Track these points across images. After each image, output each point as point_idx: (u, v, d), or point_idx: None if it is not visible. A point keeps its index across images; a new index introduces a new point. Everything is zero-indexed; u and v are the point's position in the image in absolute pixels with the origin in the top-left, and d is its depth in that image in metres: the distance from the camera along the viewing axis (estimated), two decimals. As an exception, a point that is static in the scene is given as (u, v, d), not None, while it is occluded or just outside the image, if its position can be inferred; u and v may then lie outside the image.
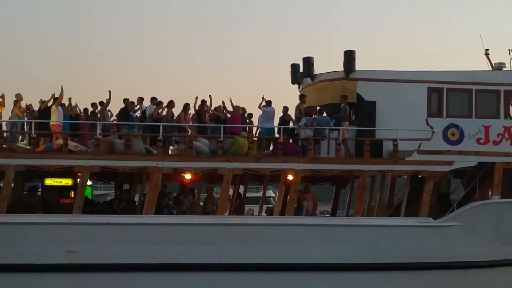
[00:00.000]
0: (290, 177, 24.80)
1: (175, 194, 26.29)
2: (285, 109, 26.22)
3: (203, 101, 25.78)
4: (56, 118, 24.59)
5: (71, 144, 23.97)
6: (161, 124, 24.39)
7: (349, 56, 26.38)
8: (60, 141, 24.01)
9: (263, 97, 26.18)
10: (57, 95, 24.79)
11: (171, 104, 25.39)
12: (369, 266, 24.53)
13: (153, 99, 25.97)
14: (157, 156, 24.12)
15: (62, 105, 24.89)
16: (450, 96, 26.13)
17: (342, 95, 25.97)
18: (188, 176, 25.84)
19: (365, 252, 24.48)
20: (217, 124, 25.06)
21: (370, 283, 24.64)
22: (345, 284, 24.47)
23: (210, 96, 25.95)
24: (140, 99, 26.41)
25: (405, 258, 24.73)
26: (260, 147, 26.22)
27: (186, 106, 25.62)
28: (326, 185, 29.97)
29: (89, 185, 28.71)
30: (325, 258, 24.21)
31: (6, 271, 22.88)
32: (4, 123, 25.49)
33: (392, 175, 27.75)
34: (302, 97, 26.26)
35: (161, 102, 25.52)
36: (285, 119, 26.10)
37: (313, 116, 25.54)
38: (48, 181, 26.57)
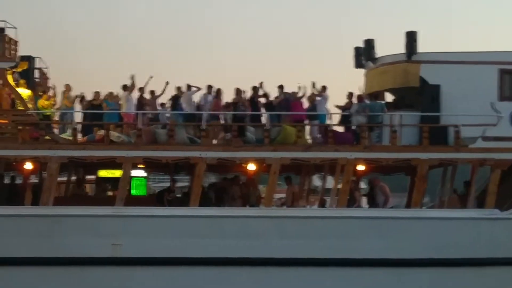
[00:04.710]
0: (361, 167, 23.54)
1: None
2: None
3: (255, 87, 24.64)
4: (126, 107, 24.18)
5: (114, 135, 23.41)
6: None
7: (411, 38, 24.66)
8: (102, 132, 23.54)
9: (313, 83, 24.86)
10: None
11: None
12: (428, 261, 22.80)
13: (210, 87, 25.02)
14: (200, 146, 23.25)
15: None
16: None
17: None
18: (252, 167, 24.80)
19: (424, 246, 22.77)
20: (281, 112, 23.89)
21: (429, 280, 22.92)
22: (402, 280, 22.86)
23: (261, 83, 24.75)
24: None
25: (468, 253, 22.83)
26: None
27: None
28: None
29: (145, 177, 28.19)
30: (378, 253, 22.68)
31: (50, 264, 22.54)
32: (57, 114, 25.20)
33: (473, 165, 25.75)
34: None
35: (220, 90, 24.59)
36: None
37: (366, 101, 24.07)
38: (102, 173, 26.27)
